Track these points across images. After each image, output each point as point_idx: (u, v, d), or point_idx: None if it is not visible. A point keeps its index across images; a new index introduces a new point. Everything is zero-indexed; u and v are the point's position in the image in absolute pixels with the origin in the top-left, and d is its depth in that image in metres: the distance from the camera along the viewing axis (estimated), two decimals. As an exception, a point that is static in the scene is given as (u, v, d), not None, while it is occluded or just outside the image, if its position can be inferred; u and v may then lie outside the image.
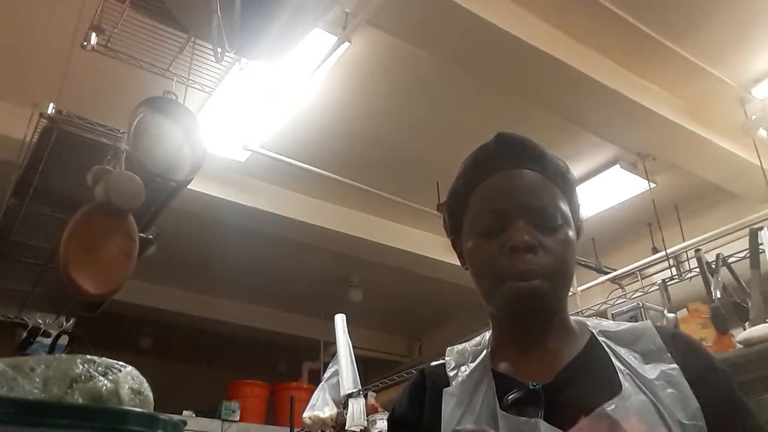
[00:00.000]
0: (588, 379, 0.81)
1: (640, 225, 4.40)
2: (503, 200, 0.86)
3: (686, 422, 0.74)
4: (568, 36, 3.07)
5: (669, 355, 0.81)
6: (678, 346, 0.83)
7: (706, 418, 0.75)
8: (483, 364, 0.88)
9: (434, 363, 0.96)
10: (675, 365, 0.80)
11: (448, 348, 0.96)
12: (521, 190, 0.86)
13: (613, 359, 0.82)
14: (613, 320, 0.92)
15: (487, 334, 0.94)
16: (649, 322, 0.89)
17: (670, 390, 0.77)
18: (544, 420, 0.76)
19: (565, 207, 0.87)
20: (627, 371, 0.80)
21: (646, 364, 0.81)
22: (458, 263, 0.96)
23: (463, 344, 0.95)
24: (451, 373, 0.90)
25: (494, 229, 0.85)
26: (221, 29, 1.72)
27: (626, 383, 0.77)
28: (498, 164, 0.89)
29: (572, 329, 0.89)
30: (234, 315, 5.56)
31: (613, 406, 0.74)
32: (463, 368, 0.90)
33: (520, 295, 0.82)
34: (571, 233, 0.86)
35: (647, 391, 0.77)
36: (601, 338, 0.86)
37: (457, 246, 0.95)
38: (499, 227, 0.85)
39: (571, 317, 0.91)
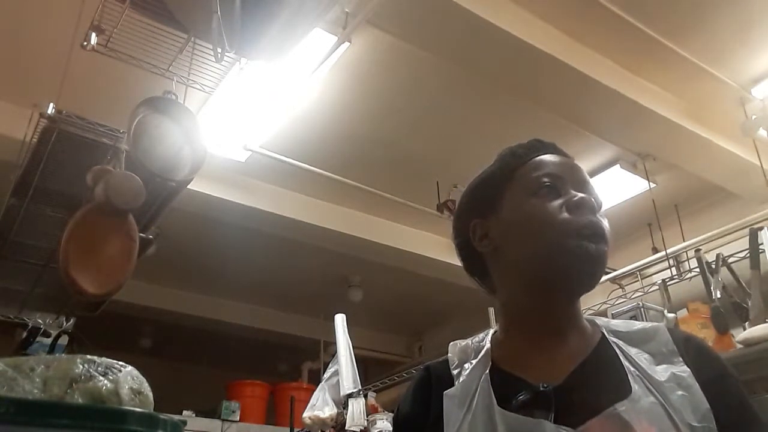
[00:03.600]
0: (598, 380, 0.80)
1: (640, 225, 4.39)
2: (558, 169, 0.91)
3: (696, 424, 0.73)
4: (568, 36, 3.06)
5: (680, 358, 0.81)
6: (690, 350, 0.82)
7: (716, 423, 0.74)
8: (483, 361, 0.87)
9: (438, 359, 0.95)
10: (686, 368, 0.79)
11: (451, 344, 0.94)
12: (569, 166, 0.93)
13: (623, 360, 0.81)
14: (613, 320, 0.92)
15: (491, 331, 0.93)
16: (662, 324, 0.88)
17: (680, 392, 0.76)
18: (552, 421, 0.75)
19: None
20: (636, 372, 0.79)
21: (657, 365, 0.80)
22: (458, 263, 0.96)
23: (466, 341, 0.94)
24: (455, 372, 0.89)
25: (551, 192, 0.87)
26: (221, 29, 1.72)
27: (635, 385, 0.77)
28: (542, 151, 0.95)
29: (585, 326, 0.88)
30: (234, 315, 5.56)
31: (623, 408, 0.74)
32: (466, 366, 0.89)
33: (590, 255, 0.82)
34: None
35: (657, 393, 0.76)
36: (611, 338, 0.85)
37: (479, 229, 0.93)
38: (554, 192, 0.87)
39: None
